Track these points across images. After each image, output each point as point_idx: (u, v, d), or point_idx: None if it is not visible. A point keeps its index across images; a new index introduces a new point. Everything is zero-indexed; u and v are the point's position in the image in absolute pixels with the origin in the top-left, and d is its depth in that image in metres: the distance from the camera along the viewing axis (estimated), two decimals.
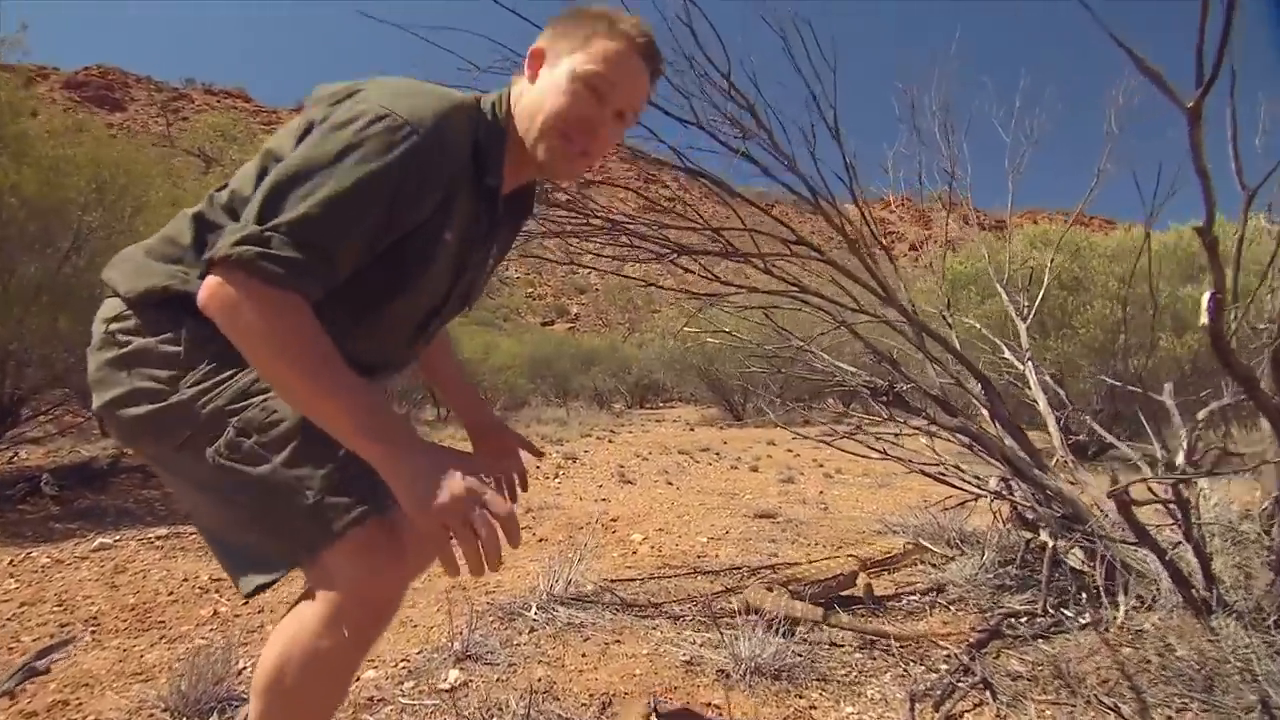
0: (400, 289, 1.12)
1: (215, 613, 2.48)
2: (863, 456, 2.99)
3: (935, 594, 2.65)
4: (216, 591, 2.71)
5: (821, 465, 8.77)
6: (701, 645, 2.18)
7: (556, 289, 65.40)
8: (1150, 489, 2.06)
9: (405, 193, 0.99)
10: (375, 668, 2.04)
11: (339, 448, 0.96)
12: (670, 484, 6.38)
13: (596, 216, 2.22)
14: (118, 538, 3.53)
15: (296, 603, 1.06)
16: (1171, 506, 2.04)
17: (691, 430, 13.46)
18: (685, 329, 3.11)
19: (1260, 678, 1.72)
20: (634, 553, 3.52)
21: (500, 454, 1.49)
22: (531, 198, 1.33)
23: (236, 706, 1.72)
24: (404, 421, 0.97)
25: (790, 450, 10.38)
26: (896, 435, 3.16)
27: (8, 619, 2.38)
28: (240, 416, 1.02)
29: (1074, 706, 1.71)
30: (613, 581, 2.88)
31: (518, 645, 2.16)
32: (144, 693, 1.82)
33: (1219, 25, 1.23)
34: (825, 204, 2.18)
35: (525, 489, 1.48)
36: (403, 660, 2.08)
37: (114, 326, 1.07)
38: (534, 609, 2.44)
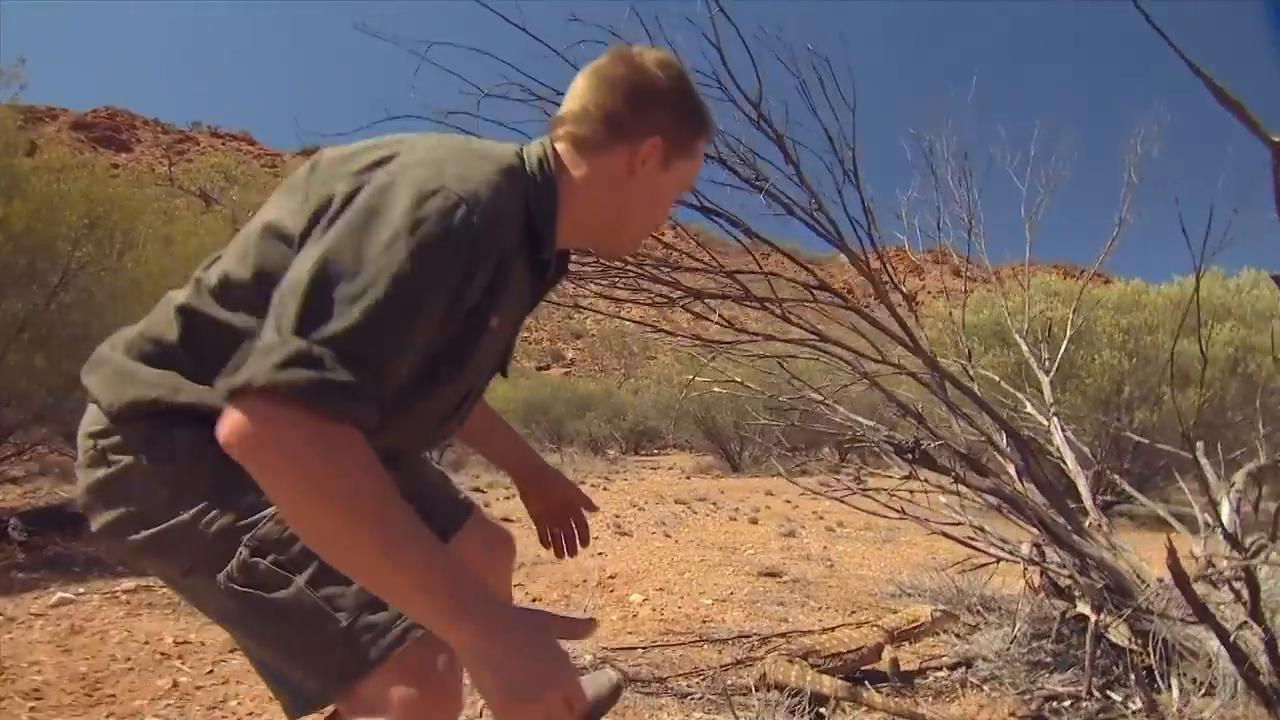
0: (438, 382, 0.96)
1: (175, 684, 2.24)
2: (868, 511, 2.80)
3: (965, 669, 2.44)
4: (179, 658, 2.48)
5: (822, 518, 8.53)
6: None
7: (552, 333, 65.46)
8: (1211, 563, 1.88)
9: (464, 283, 0.84)
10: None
11: None
12: (668, 536, 6.15)
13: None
14: (81, 590, 3.29)
15: None
16: (1237, 585, 1.86)
17: (688, 479, 13.22)
18: (694, 378, 2.93)
19: None
20: (634, 615, 3.29)
21: (558, 509, 1.40)
22: (568, 257, 1.18)
23: None
24: (484, 588, 0.77)
25: (789, 501, 10.14)
26: (911, 493, 2.99)
27: None
28: (253, 534, 0.88)
29: None
30: (613, 650, 2.65)
31: None
32: None
33: None
34: (851, 248, 2.05)
35: (586, 544, 1.41)
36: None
37: (102, 443, 0.93)
38: None
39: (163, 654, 2.51)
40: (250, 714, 2.03)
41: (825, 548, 6.08)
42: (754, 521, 7.62)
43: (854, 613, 3.45)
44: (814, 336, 2.29)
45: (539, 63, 2.07)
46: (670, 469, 15.54)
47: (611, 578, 4.13)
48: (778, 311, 2.23)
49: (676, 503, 8.88)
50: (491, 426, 1.37)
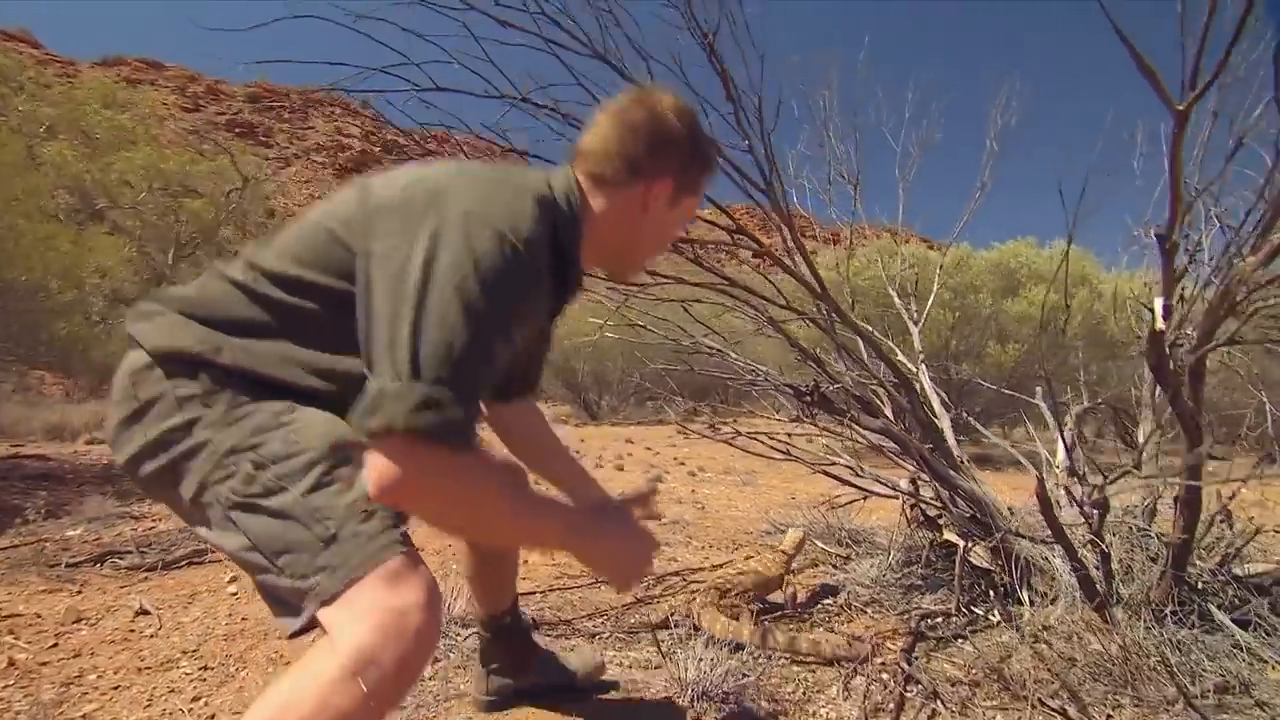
0: None
1: (11, 663, 1.93)
2: (755, 454, 2.93)
3: (846, 596, 2.63)
4: (10, 633, 2.14)
5: (683, 463, 8.85)
6: (631, 667, 1.99)
7: None
8: (1069, 491, 2.13)
9: (524, 307, 1.02)
10: None
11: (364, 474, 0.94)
12: (538, 484, 6.11)
13: None
14: None
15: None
16: (1087, 510, 2.12)
17: None
18: (605, 324, 2.88)
19: (1175, 669, 1.81)
20: (525, 561, 3.25)
21: None
22: (583, 272, 1.29)
23: None
24: (581, 509, 1.15)
25: (650, 449, 10.42)
26: (789, 435, 3.15)
27: None
28: (258, 450, 0.99)
29: (1021, 711, 1.70)
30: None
31: (424, 682, 1.86)
32: None
33: (1226, 33, 1.23)
34: (771, 194, 2.07)
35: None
36: None
37: (136, 380, 1.06)
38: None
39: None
40: (115, 687, 1.80)
41: (693, 491, 6.32)
42: (620, 469, 7.76)
43: (736, 549, 3.61)
44: (724, 281, 2.31)
45: None
46: None
47: None
48: (691, 255, 2.22)
49: None
50: (555, 453, 1.57)
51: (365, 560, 0.92)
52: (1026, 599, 2.35)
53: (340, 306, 1.03)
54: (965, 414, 3.25)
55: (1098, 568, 2.24)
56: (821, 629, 2.32)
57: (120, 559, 3.05)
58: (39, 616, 2.30)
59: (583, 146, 1.19)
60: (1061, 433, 2.86)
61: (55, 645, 2.07)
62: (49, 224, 6.59)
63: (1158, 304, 1.59)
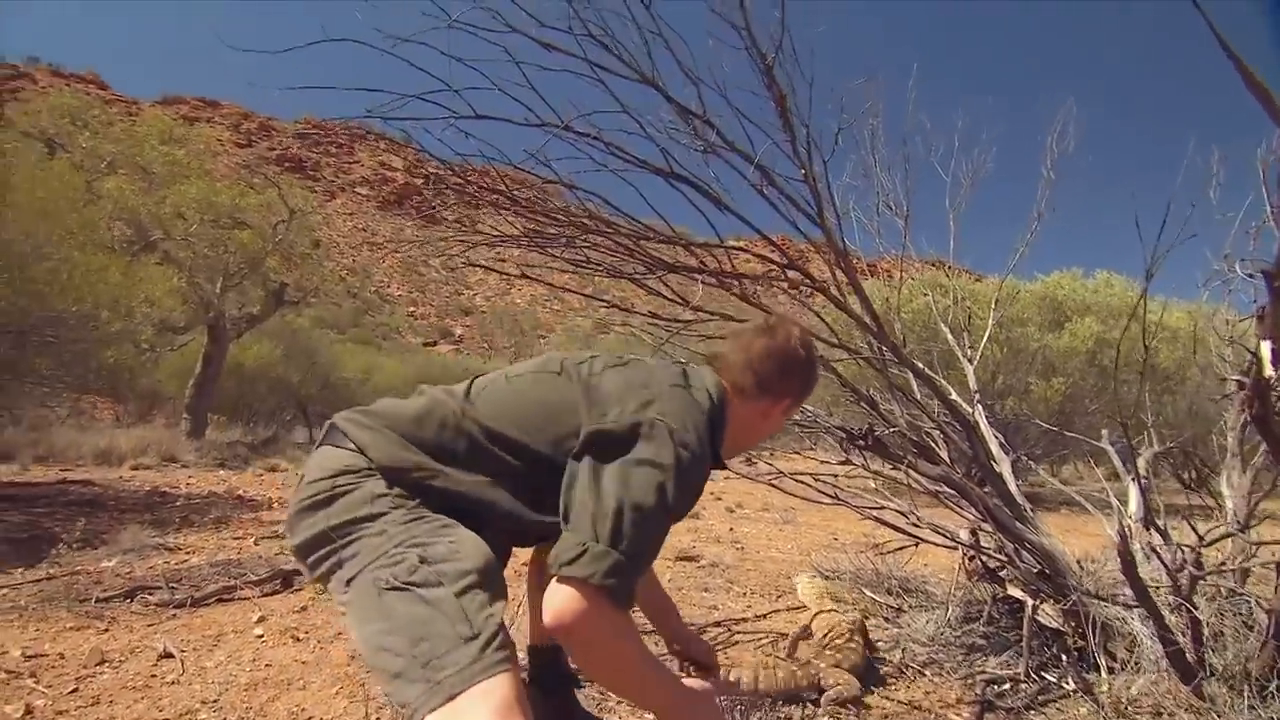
0: None
1: (29, 709, 1.87)
2: (800, 497, 2.78)
3: (900, 653, 2.44)
4: (32, 675, 2.08)
5: (720, 499, 8.66)
6: None
7: (440, 309, 63.19)
8: (1152, 548, 1.94)
9: (693, 499, 1.28)
10: None
11: (501, 603, 1.11)
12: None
13: (572, 220, 1.88)
14: None
15: None
16: (1174, 569, 1.93)
17: None
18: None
19: None
20: None
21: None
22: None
23: None
24: (684, 691, 1.26)
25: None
26: (836, 477, 2.99)
27: None
28: (425, 549, 1.12)
29: None
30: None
31: None
32: None
33: None
34: (823, 227, 1.95)
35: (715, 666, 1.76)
36: None
37: (342, 480, 1.22)
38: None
39: (9, 671, 2.10)
40: None
41: (731, 529, 6.14)
42: None
43: (779, 597, 3.44)
44: (770, 316, 2.19)
45: None
46: None
47: (516, 571, 3.93)
48: (737, 291, 2.11)
49: None
50: (668, 610, 1.81)
51: (489, 670, 1.00)
52: (1104, 666, 2.15)
53: (536, 464, 1.28)
54: (1025, 457, 3.05)
55: (1185, 633, 2.03)
56: (876, 693, 2.14)
57: (150, 594, 3.00)
58: (62, 657, 2.24)
59: (725, 357, 1.47)
60: (1138, 479, 2.66)
61: (75, 690, 2.00)
62: (102, 255, 6.77)
63: (1265, 348, 1.42)
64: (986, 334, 3.32)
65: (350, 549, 1.15)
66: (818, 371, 1.53)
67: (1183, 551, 1.89)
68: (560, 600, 1.08)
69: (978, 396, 3.08)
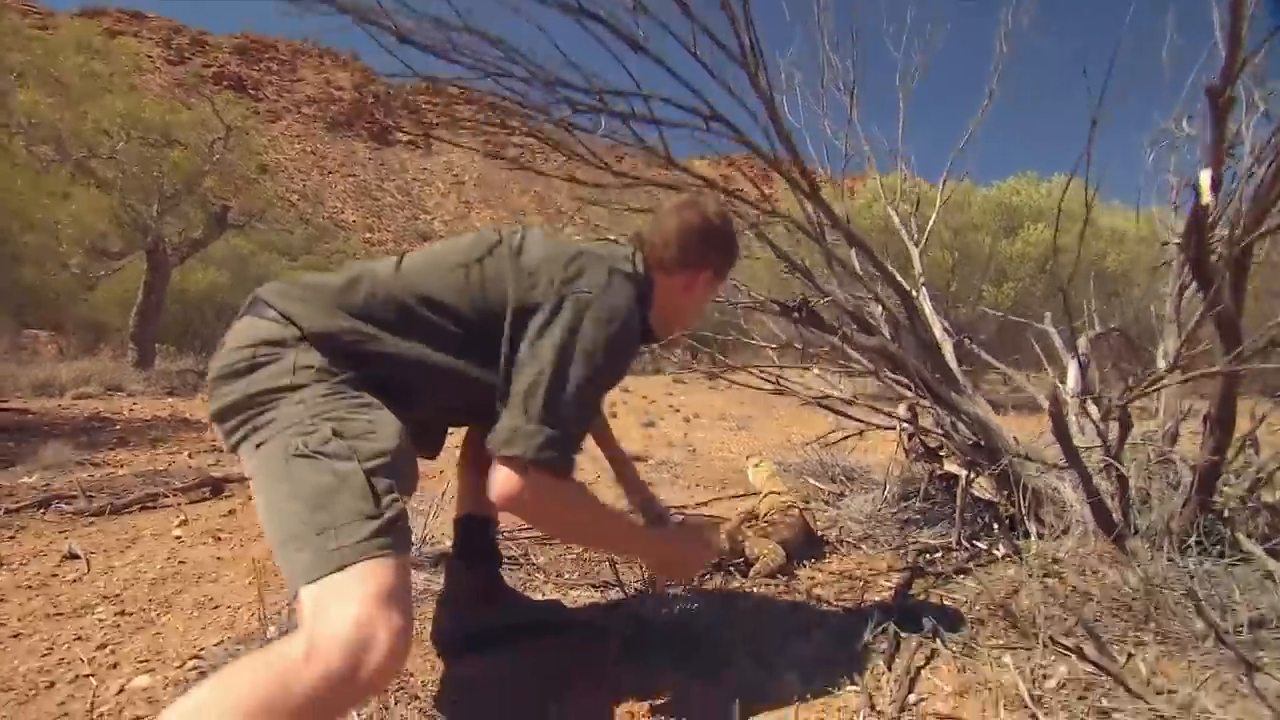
0: None
1: None
2: (744, 385, 2.72)
3: (838, 532, 2.44)
4: None
5: (678, 410, 8.69)
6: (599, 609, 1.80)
7: (397, 234, 61.48)
8: (1084, 409, 1.91)
9: (625, 369, 1.39)
10: (152, 670, 1.47)
11: (407, 493, 1.08)
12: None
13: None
14: None
15: None
16: (1102, 427, 1.90)
17: None
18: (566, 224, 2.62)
19: (1203, 604, 1.60)
20: None
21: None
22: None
23: None
24: (650, 526, 1.69)
25: (645, 396, 10.26)
26: (780, 368, 2.94)
27: None
28: (343, 422, 1.09)
29: (1030, 650, 1.51)
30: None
31: None
32: None
33: None
34: (761, 81, 1.78)
35: None
36: (193, 658, 1.53)
37: (263, 349, 1.17)
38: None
39: None
40: (15, 635, 1.61)
41: (685, 435, 6.15)
42: (613, 415, 7.57)
43: (723, 488, 3.43)
44: (701, 182, 2.06)
45: None
46: None
47: None
48: (664, 154, 1.96)
49: None
50: (620, 460, 1.95)
51: (382, 551, 0.96)
52: (1035, 531, 2.15)
53: (471, 329, 1.27)
54: (969, 340, 3.02)
55: (1114, 496, 2.03)
56: (808, 566, 2.12)
57: (67, 504, 2.87)
58: None
59: (646, 236, 1.48)
60: (1077, 356, 2.63)
61: None
62: (5, 166, 6.28)
63: (1204, 176, 1.33)
64: (933, 218, 3.21)
65: (265, 416, 1.11)
66: (736, 243, 1.55)
67: (1110, 403, 1.85)
68: (501, 481, 1.16)
69: (922, 280, 3.01)
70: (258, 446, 1.10)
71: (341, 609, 0.89)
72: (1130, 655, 1.49)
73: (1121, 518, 2.01)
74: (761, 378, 2.71)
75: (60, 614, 1.76)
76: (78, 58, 13.16)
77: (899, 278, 2.30)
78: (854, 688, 1.38)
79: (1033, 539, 2.13)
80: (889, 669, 1.45)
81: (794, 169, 1.91)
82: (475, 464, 1.72)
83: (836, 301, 2.33)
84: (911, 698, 1.36)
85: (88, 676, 1.44)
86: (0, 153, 6.36)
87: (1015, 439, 2.52)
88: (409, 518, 1.05)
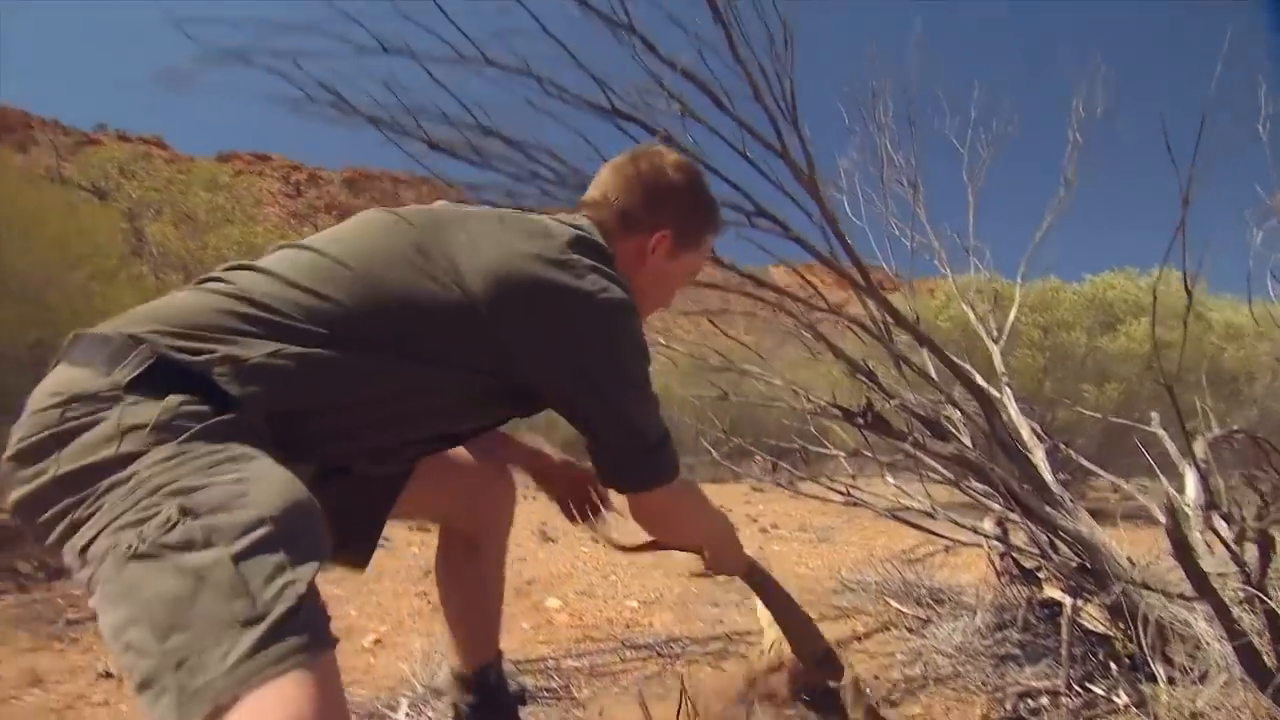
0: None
1: None
2: (812, 496, 2.50)
3: (922, 667, 2.13)
4: None
5: (755, 520, 8.28)
6: None
7: None
8: (1212, 529, 1.62)
9: None
10: None
11: (310, 566, 0.74)
12: (596, 542, 5.73)
13: None
14: None
15: None
16: (1236, 550, 1.60)
17: None
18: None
19: None
20: (549, 622, 2.88)
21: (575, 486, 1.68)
22: None
23: None
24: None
25: (722, 505, 9.87)
26: (853, 477, 2.72)
27: None
28: (192, 494, 0.76)
29: None
30: (518, 663, 2.23)
31: None
32: None
33: None
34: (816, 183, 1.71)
35: (610, 506, 1.65)
36: None
37: (77, 407, 0.84)
38: (404, 708, 1.78)
39: None
40: None
41: (760, 549, 5.79)
42: None
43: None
44: (752, 282, 1.96)
45: None
46: None
47: (529, 583, 3.70)
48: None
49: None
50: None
51: (278, 665, 0.67)
52: (1163, 675, 1.80)
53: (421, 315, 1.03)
54: (1064, 445, 2.71)
55: (1261, 634, 1.68)
56: (883, 711, 1.83)
57: None
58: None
59: (584, 198, 1.27)
60: (1194, 462, 2.30)
61: None
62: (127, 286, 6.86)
63: None
64: (1012, 315, 2.99)
65: (86, 507, 0.79)
66: (708, 199, 1.32)
67: (1245, 524, 1.56)
68: (639, 509, 1.21)
69: (1006, 380, 2.76)
70: (81, 552, 0.78)
71: None
72: None
73: (1276, 662, 1.66)
74: (831, 488, 2.49)
75: None
76: (206, 194, 14.76)
77: (976, 377, 2.09)
78: None
79: (1161, 684, 1.78)
80: None
81: (851, 265, 1.79)
82: (462, 578, 1.54)
83: (906, 405, 2.14)
84: None
85: None
86: (131, 281, 7.02)
87: (1130, 560, 2.18)
88: (319, 596, 0.75)
